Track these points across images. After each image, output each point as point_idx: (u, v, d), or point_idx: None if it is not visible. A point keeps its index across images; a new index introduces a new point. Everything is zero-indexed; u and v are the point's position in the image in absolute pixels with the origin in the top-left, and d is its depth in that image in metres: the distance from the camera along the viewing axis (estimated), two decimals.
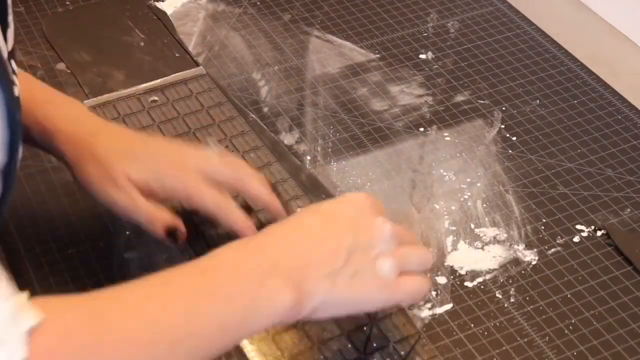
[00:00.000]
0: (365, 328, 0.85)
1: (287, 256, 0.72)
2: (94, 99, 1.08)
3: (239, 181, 0.88)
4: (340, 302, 0.73)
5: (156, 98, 1.08)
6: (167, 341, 0.65)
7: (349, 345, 0.84)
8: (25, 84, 0.78)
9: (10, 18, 0.74)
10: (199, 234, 0.91)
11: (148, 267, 0.90)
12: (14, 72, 0.73)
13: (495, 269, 0.92)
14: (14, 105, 0.69)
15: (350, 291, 0.73)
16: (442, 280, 0.91)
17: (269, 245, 0.73)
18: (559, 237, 0.95)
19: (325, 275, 0.72)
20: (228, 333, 0.69)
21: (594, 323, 0.87)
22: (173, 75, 1.11)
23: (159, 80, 1.10)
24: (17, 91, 0.71)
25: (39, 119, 0.87)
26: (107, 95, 1.08)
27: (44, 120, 0.87)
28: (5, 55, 0.71)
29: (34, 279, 0.89)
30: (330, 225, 0.75)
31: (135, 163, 0.86)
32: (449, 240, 0.95)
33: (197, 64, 1.14)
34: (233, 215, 0.87)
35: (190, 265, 0.70)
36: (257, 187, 0.88)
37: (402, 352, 0.83)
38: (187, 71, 1.12)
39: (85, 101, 1.07)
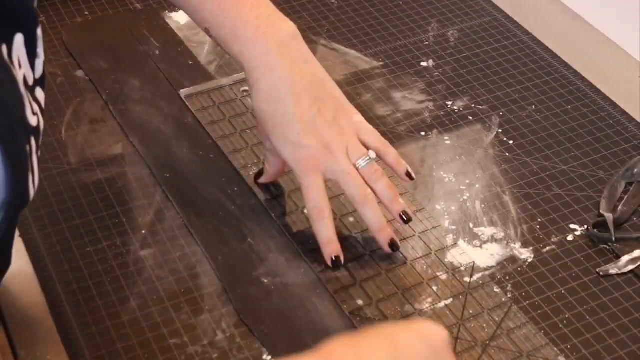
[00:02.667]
0: (460, 297, 0.88)
1: None
2: (186, 89, 1.12)
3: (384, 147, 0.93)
4: None
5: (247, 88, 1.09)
6: None
7: (447, 312, 0.87)
8: None
9: (40, 50, 0.74)
10: None
11: (162, 264, 0.91)
12: (37, 101, 0.73)
13: (493, 266, 0.93)
14: (19, 165, 0.66)
15: None
16: (442, 276, 0.91)
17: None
18: (553, 235, 0.96)
19: None
20: None
21: (587, 318, 0.88)
22: None
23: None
24: (35, 121, 0.70)
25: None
26: (197, 86, 1.13)
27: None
28: (30, 83, 0.71)
29: (55, 276, 0.90)
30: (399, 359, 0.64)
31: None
32: (449, 239, 0.95)
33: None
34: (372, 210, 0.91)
35: None
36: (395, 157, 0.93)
37: (497, 318, 0.86)
38: None
39: (181, 91, 1.11)
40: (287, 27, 0.92)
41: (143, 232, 0.94)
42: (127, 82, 1.13)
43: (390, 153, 0.93)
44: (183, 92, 1.11)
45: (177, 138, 1.05)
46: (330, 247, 0.90)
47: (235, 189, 0.99)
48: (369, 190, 0.90)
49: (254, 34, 0.91)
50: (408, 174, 0.93)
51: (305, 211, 0.96)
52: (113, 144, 1.05)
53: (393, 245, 0.91)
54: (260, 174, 0.98)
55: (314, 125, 0.90)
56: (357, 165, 0.90)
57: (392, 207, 0.91)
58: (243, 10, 0.92)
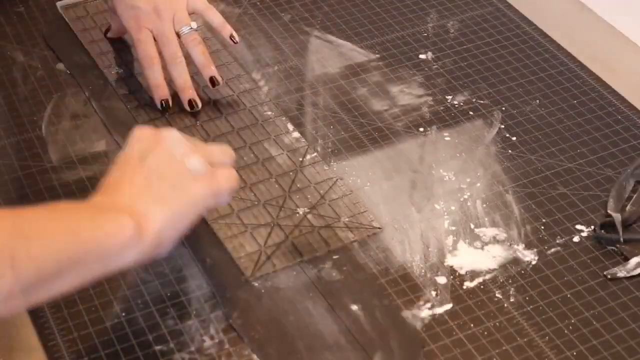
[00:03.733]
0: (291, 173, 0.99)
1: (114, 198, 0.77)
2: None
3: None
4: (177, 214, 0.78)
5: None
6: (23, 233, 0.70)
7: (276, 186, 0.98)
8: None
9: None
10: None
11: (148, 267, 0.90)
12: None
13: (495, 269, 0.92)
14: None
15: (179, 201, 0.78)
16: (442, 280, 0.90)
17: (96, 198, 0.78)
18: (558, 237, 0.95)
19: (152, 201, 0.77)
20: (77, 241, 0.73)
21: (594, 323, 0.87)
22: None
23: None
24: None
25: None
26: None
27: None
28: None
29: None
30: (125, 161, 0.81)
31: None
32: (449, 240, 0.94)
33: None
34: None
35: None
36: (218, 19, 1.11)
37: (321, 191, 0.96)
38: None
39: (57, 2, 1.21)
40: None
41: None
42: (110, 73, 1.12)
43: (216, 18, 1.10)
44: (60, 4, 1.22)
45: None
46: (159, 90, 1.06)
47: None
48: (180, 53, 1.07)
49: None
50: (232, 37, 1.09)
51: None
52: (96, 140, 1.04)
53: (192, 104, 1.06)
54: (108, 30, 1.17)
55: None
56: (180, 32, 1.07)
57: (204, 71, 1.07)
58: None
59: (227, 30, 1.09)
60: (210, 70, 1.07)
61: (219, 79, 1.07)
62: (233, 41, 1.09)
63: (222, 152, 0.86)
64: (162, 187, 0.78)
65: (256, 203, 0.96)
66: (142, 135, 0.83)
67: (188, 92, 1.07)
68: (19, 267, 0.69)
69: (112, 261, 0.75)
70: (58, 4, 1.21)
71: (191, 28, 1.07)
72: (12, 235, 0.69)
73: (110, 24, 1.16)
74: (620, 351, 0.84)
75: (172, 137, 0.82)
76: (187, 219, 0.79)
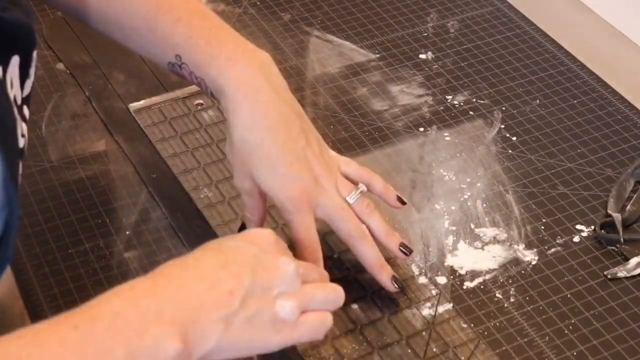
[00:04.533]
0: (424, 333, 0.85)
1: (177, 300, 0.66)
2: (137, 103, 1.09)
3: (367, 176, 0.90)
4: (234, 346, 0.69)
5: (202, 101, 1.09)
6: None
7: (409, 351, 0.84)
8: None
9: (32, 71, 0.74)
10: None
11: (147, 266, 0.90)
12: (24, 119, 0.73)
13: (495, 269, 0.92)
14: (13, 166, 0.66)
15: (244, 335, 0.69)
16: (442, 280, 0.91)
17: (157, 287, 0.67)
18: (558, 237, 0.95)
19: (219, 320, 0.67)
20: None
21: (594, 323, 0.87)
22: None
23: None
24: (23, 143, 0.71)
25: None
26: (151, 98, 1.09)
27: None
28: (18, 102, 0.71)
29: (34, 279, 0.89)
30: (229, 265, 0.70)
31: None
32: (449, 240, 0.95)
33: None
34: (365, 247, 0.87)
35: (64, 317, 0.63)
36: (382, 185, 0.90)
37: (462, 357, 0.83)
38: None
39: (130, 105, 1.08)
40: (264, 53, 0.87)
41: (127, 233, 0.94)
42: (111, 76, 1.12)
43: (376, 181, 0.90)
44: (132, 107, 1.08)
45: None
46: (387, 269, 0.87)
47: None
48: (364, 226, 0.86)
49: (233, 53, 0.84)
50: (399, 199, 0.90)
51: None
52: (95, 140, 1.05)
53: (396, 281, 0.87)
54: (243, 227, 0.91)
55: (305, 156, 0.84)
56: (348, 201, 0.86)
57: (390, 241, 0.88)
58: (219, 32, 0.86)
59: (392, 194, 0.91)
60: (396, 237, 0.88)
61: (409, 245, 0.88)
62: (402, 203, 0.91)
63: (326, 297, 0.75)
64: (239, 312, 0.68)
65: None
66: (264, 240, 0.74)
67: (387, 269, 0.87)
68: None
69: None
70: (130, 106, 1.10)
71: (360, 192, 0.87)
72: None
73: (246, 215, 0.88)
74: (621, 351, 0.85)
75: (287, 270, 0.72)
76: (241, 354, 0.70)
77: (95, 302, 0.65)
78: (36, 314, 0.86)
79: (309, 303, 0.73)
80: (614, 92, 1.13)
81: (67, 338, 0.61)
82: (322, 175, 0.85)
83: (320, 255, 0.84)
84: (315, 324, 0.73)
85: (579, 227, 0.97)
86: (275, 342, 0.71)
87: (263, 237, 0.74)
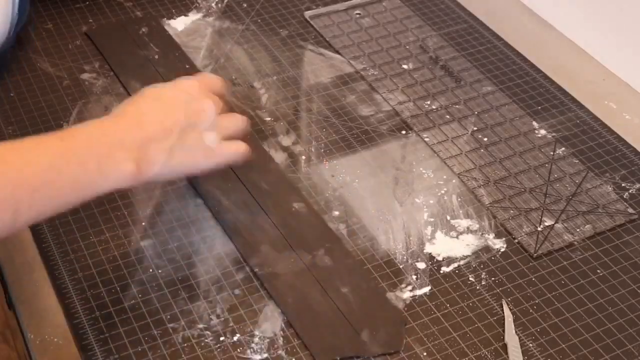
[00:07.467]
0: None
1: (133, 133, 0.79)
2: None
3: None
4: (174, 169, 0.82)
5: None
6: (28, 186, 0.71)
7: None
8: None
9: None
10: None
11: (161, 254, 0.90)
12: None
13: (469, 256, 0.92)
14: None
15: (183, 161, 0.82)
16: (421, 265, 0.91)
17: (120, 123, 0.80)
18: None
19: (163, 150, 0.79)
20: (78, 189, 0.75)
21: (555, 303, 0.88)
22: None
23: None
24: None
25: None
26: None
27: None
28: None
29: (61, 266, 0.89)
30: (167, 109, 0.82)
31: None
32: (428, 230, 0.95)
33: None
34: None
35: (53, 133, 0.76)
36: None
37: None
38: None
39: None
40: None
41: (143, 224, 0.94)
42: (129, 84, 1.12)
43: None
44: None
45: None
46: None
47: (230, 185, 0.98)
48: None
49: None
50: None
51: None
52: None
53: None
54: None
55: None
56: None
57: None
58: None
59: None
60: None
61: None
62: None
63: (234, 125, 0.88)
64: (177, 143, 0.81)
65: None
66: (191, 88, 0.85)
67: None
68: (20, 216, 0.70)
69: (99, 186, 0.77)
70: (306, 13, 1.25)
71: None
72: (16, 187, 0.70)
73: None
74: (579, 328, 0.85)
75: (210, 112, 0.84)
76: (179, 174, 0.87)
77: (74, 127, 0.79)
78: (63, 296, 0.87)
79: (223, 131, 0.85)
80: (573, 99, 1.13)
81: (55, 145, 0.74)
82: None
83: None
84: (232, 149, 0.86)
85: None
86: (205, 165, 0.85)
87: (190, 85, 0.86)
